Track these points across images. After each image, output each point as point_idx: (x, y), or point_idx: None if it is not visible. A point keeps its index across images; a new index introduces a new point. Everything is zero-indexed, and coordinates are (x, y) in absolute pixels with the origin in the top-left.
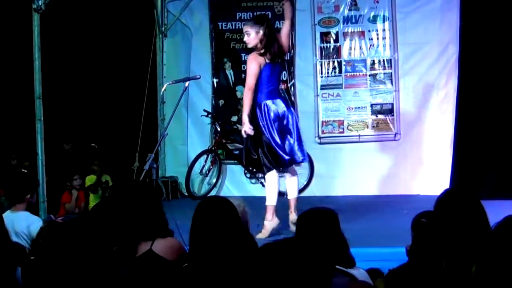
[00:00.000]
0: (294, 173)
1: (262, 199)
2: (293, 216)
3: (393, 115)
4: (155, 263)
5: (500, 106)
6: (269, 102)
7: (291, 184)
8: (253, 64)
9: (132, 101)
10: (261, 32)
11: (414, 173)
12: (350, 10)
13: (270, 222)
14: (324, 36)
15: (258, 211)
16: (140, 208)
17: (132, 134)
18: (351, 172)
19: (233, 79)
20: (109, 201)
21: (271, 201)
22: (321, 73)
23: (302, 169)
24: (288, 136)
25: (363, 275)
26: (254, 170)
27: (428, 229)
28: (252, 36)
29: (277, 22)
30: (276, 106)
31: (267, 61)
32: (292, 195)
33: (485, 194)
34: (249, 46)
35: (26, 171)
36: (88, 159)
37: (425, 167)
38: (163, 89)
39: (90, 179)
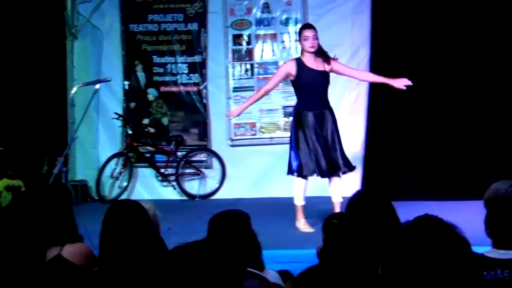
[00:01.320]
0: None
1: (174, 202)
2: None
3: None
4: (64, 268)
5: (411, 106)
6: None
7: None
8: None
9: (42, 104)
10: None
11: None
12: (262, 12)
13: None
14: (236, 39)
15: (169, 214)
16: (49, 212)
17: (42, 138)
18: (264, 174)
19: (144, 81)
20: (16, 205)
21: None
22: (233, 76)
23: (214, 172)
24: None
25: (275, 277)
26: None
27: (338, 230)
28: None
29: (189, 24)
30: None
31: None
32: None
33: (396, 195)
34: (312, 50)
35: None
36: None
37: None
38: (72, 92)
39: (1, 184)
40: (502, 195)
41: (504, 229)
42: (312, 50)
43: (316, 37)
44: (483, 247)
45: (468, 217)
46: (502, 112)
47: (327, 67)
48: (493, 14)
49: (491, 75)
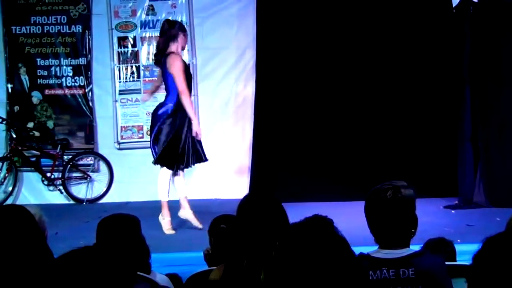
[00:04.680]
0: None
1: (61, 206)
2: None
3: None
4: None
5: (297, 109)
6: None
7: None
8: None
9: None
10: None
11: (214, 177)
12: (147, 14)
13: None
14: (122, 41)
15: (56, 219)
16: None
17: None
18: (152, 177)
19: (28, 84)
20: None
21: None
22: (119, 78)
23: (101, 175)
24: None
25: (164, 280)
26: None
27: (227, 234)
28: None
29: (73, 26)
30: None
31: None
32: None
33: (284, 196)
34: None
35: None
36: None
37: (225, 171)
38: None
39: None
40: (381, 198)
41: (386, 229)
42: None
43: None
44: (372, 247)
45: (357, 218)
46: (387, 114)
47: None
48: (375, 14)
49: (377, 75)
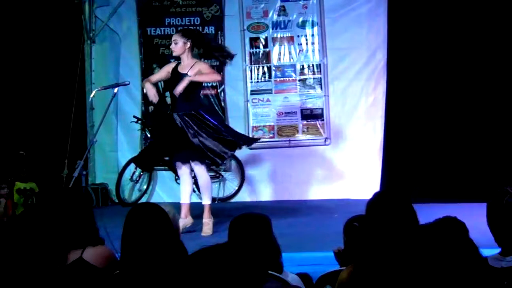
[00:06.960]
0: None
1: (193, 205)
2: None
3: (323, 120)
4: (86, 271)
5: (428, 110)
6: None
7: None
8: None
9: (61, 108)
10: (188, 44)
11: (345, 177)
12: (279, 15)
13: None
14: (253, 42)
15: None
16: (69, 215)
17: (61, 141)
18: (282, 177)
19: (162, 85)
20: (35, 209)
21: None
22: (251, 79)
23: (233, 175)
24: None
25: (295, 279)
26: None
27: (360, 233)
28: (179, 45)
29: (206, 27)
30: None
31: None
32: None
33: (414, 197)
34: (174, 54)
35: None
36: (17, 167)
37: (355, 171)
38: (91, 96)
39: (16, 187)
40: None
41: (497, 234)
42: (174, 54)
43: (176, 42)
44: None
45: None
46: None
47: (191, 71)
48: (507, 15)
49: (507, 76)
